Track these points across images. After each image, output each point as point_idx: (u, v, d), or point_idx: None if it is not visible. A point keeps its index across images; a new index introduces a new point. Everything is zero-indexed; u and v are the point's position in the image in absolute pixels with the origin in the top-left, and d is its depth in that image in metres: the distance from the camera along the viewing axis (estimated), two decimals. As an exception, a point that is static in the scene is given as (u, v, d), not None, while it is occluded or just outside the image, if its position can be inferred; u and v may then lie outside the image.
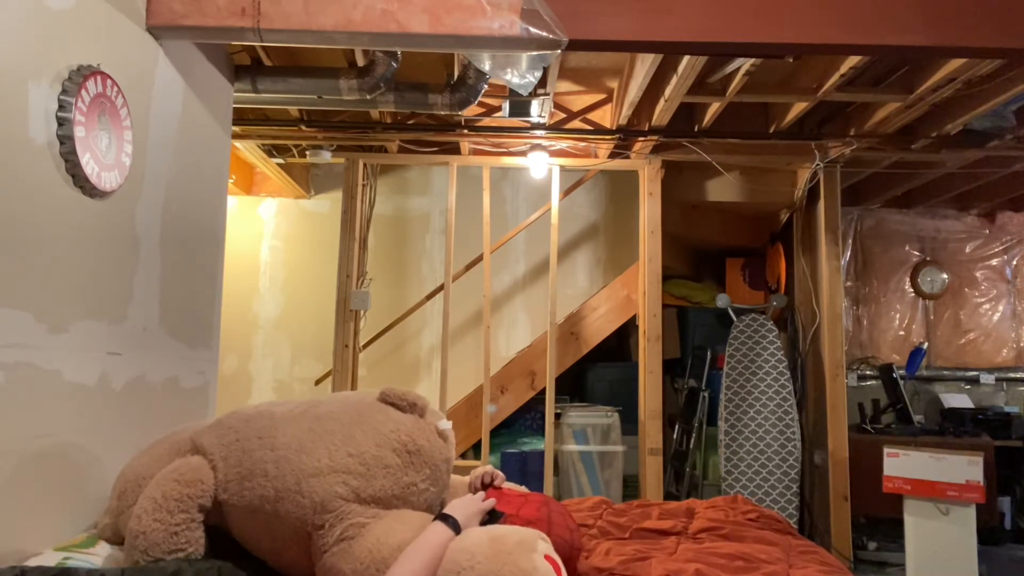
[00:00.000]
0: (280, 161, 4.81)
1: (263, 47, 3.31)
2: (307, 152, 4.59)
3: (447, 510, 1.63)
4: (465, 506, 1.67)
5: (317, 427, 1.67)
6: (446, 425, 1.77)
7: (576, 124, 4.49)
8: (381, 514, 1.57)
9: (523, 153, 4.57)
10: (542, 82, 3.70)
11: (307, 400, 1.85)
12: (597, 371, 5.30)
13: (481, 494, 1.79)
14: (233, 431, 1.73)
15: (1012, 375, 5.74)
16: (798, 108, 3.98)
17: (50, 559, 1.66)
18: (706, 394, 4.99)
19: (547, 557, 1.47)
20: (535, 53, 2.49)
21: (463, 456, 4.83)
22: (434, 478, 1.70)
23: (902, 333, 5.80)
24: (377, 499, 1.58)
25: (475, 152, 4.64)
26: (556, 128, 4.37)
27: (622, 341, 5.52)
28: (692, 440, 5.00)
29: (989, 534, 4.64)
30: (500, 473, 1.99)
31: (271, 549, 1.63)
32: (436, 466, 1.70)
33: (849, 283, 5.77)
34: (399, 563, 1.44)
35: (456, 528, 1.57)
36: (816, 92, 3.67)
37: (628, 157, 4.56)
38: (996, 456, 4.57)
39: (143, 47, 2.33)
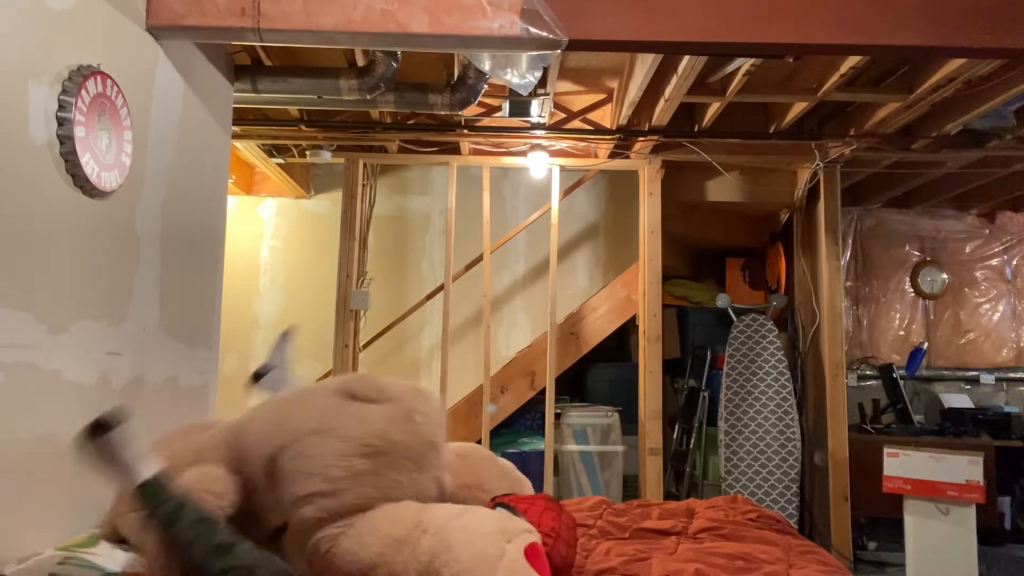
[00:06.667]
0: (280, 161, 4.81)
1: (263, 47, 3.31)
2: (307, 152, 4.59)
3: None
4: None
5: (283, 453, 1.58)
6: (425, 406, 1.66)
7: (576, 124, 4.49)
8: (354, 521, 1.50)
9: (523, 153, 4.57)
10: (542, 82, 3.70)
11: (266, 411, 1.75)
12: (597, 371, 5.30)
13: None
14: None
15: (1012, 375, 5.74)
16: (798, 108, 3.98)
17: (51, 559, 1.66)
18: (706, 394, 4.98)
19: (531, 546, 1.45)
20: (535, 53, 2.49)
21: (463, 456, 4.82)
22: (419, 466, 1.61)
23: (902, 333, 5.79)
24: (358, 507, 1.51)
25: (475, 152, 4.63)
26: (556, 128, 4.37)
27: (622, 341, 5.51)
28: (692, 440, 4.99)
29: (989, 534, 4.63)
30: None
31: None
32: (419, 454, 1.61)
33: (849, 283, 5.77)
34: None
35: None
36: (816, 92, 3.67)
37: (628, 157, 4.56)
38: (996, 456, 4.57)
39: (143, 47, 2.33)
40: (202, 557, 1.38)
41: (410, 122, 4.40)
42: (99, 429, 1.41)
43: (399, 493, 1.57)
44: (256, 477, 1.60)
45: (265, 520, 1.58)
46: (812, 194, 4.73)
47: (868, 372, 5.65)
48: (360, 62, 3.36)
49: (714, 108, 3.97)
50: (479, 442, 4.55)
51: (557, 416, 4.65)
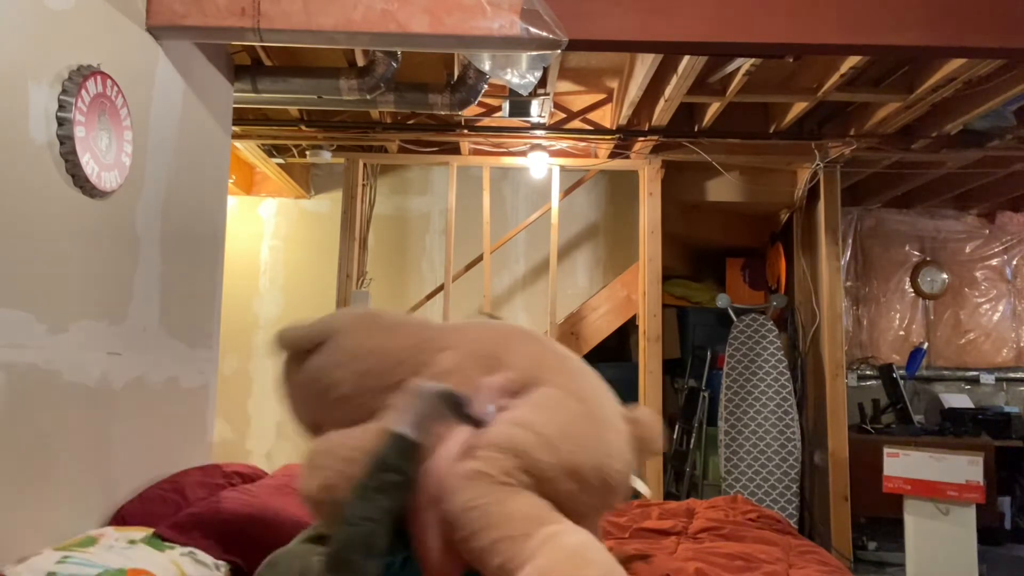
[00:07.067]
0: (280, 161, 4.81)
1: (263, 47, 3.31)
2: (307, 152, 4.59)
3: None
4: None
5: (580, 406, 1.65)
6: (643, 489, 1.73)
7: (576, 124, 4.49)
8: (520, 486, 1.48)
9: (523, 153, 4.57)
10: (542, 82, 3.70)
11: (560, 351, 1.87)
12: (597, 371, 5.29)
13: None
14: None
15: (1012, 375, 5.74)
16: (798, 108, 3.98)
17: (49, 559, 1.66)
18: (706, 394, 4.98)
19: None
20: (535, 53, 2.49)
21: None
22: (601, 508, 1.66)
23: (902, 333, 5.79)
24: (533, 485, 1.49)
25: (475, 152, 4.63)
26: (556, 128, 4.37)
27: (622, 341, 5.51)
28: (692, 440, 4.99)
29: (989, 534, 4.63)
30: None
31: None
32: (609, 502, 1.65)
33: (849, 283, 5.77)
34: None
35: None
36: (816, 92, 3.67)
37: (628, 157, 4.56)
38: (996, 456, 4.57)
39: (143, 47, 2.33)
40: (355, 536, 1.36)
41: (410, 122, 4.40)
42: (451, 403, 1.51)
43: (562, 508, 1.54)
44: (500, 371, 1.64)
45: (474, 402, 1.60)
46: (812, 194, 4.73)
47: (868, 372, 5.65)
48: (360, 62, 3.36)
49: (714, 108, 3.97)
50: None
51: (557, 416, 4.64)
